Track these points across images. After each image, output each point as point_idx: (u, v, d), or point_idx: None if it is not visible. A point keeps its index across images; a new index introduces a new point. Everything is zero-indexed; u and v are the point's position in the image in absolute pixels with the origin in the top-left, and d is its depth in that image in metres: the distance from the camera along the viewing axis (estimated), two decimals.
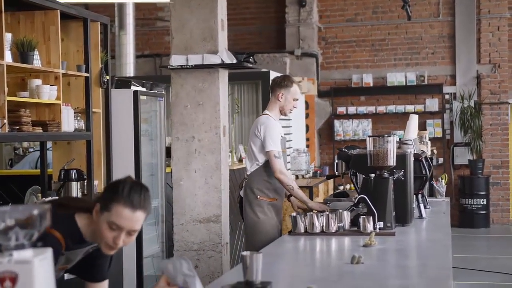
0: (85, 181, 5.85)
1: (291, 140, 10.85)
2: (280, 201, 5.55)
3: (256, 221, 5.40)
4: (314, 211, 4.81)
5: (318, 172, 11.50)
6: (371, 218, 4.32)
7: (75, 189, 5.66)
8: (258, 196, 5.42)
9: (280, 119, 5.68)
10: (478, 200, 12.65)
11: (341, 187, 12.59)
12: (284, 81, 5.57)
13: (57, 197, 5.27)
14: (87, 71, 5.86)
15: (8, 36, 4.97)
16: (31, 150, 9.36)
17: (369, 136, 4.58)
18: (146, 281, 6.82)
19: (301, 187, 9.46)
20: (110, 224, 2.63)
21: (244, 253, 2.79)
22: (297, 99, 5.61)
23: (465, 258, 9.86)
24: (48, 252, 1.82)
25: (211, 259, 5.76)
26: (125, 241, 2.67)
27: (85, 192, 5.87)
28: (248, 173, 5.52)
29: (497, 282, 8.46)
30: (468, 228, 12.56)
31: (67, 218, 2.75)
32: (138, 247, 6.58)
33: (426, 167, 5.21)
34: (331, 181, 11.56)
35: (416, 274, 3.29)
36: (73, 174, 5.67)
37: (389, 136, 4.54)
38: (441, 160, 12.97)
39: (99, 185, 6.15)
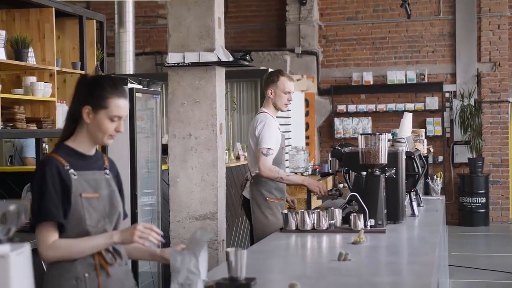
0: None
1: (290, 138, 10.87)
2: (284, 200, 5.54)
3: (265, 223, 5.33)
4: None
5: (318, 170, 11.51)
6: (361, 215, 4.34)
7: None
8: (267, 198, 5.37)
9: (279, 116, 5.66)
10: (477, 198, 12.66)
11: (341, 185, 12.60)
12: (270, 77, 5.51)
13: None
14: (82, 68, 5.88)
15: (2, 34, 4.99)
16: None
17: (361, 134, 4.60)
18: (142, 278, 6.83)
19: (300, 185, 9.49)
20: (111, 118, 2.90)
21: (229, 249, 2.82)
22: (288, 92, 5.49)
23: (464, 256, 9.87)
24: (26, 247, 1.84)
25: None
26: (122, 128, 2.97)
27: None
28: (253, 174, 5.43)
29: (495, 280, 8.46)
30: (467, 226, 12.58)
31: (58, 146, 2.99)
32: None
33: (419, 165, 5.21)
34: (330, 179, 11.56)
35: (400, 271, 3.31)
36: None
37: (381, 134, 4.56)
38: (440, 158, 12.98)
39: None
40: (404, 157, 4.85)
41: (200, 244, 2.66)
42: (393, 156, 4.68)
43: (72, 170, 2.91)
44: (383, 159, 4.52)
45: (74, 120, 2.96)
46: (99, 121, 2.91)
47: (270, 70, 10.37)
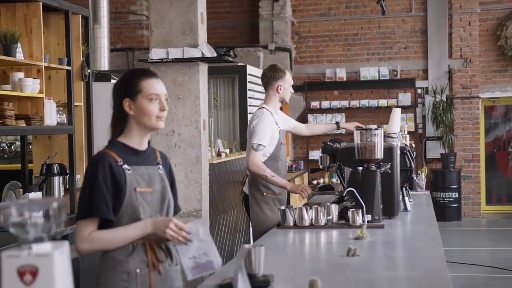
0: (67, 175, 5.78)
1: None
2: (284, 194, 5.49)
3: (264, 219, 5.28)
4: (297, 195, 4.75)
5: (294, 166, 11.53)
6: (360, 211, 4.34)
7: (57, 184, 5.59)
8: (264, 193, 5.34)
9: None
10: (450, 193, 12.79)
11: (315, 181, 12.65)
12: (278, 73, 5.53)
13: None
14: (69, 64, 5.78)
15: None
16: (3, 144, 9.23)
17: (357, 129, 4.59)
18: None
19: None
20: (149, 98, 2.94)
21: (247, 246, 2.79)
22: (291, 84, 5.65)
23: None
24: (66, 245, 1.80)
25: None
26: (165, 106, 2.99)
27: (67, 187, 5.80)
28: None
29: (469, 274, 8.56)
30: (440, 221, 12.58)
31: (111, 142, 3.03)
32: None
33: (411, 160, 5.24)
34: (305, 175, 11.60)
35: (412, 265, 3.31)
36: (56, 168, 5.59)
37: (377, 129, 4.56)
38: (414, 154, 13.06)
39: (81, 179, 6.08)
40: (398, 152, 4.86)
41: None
42: (388, 151, 4.69)
43: (126, 166, 2.94)
44: (379, 154, 4.52)
45: (121, 120, 3.00)
46: (140, 107, 2.95)
47: (252, 68, 10.33)
